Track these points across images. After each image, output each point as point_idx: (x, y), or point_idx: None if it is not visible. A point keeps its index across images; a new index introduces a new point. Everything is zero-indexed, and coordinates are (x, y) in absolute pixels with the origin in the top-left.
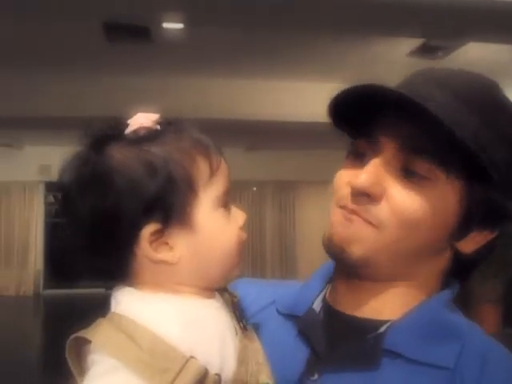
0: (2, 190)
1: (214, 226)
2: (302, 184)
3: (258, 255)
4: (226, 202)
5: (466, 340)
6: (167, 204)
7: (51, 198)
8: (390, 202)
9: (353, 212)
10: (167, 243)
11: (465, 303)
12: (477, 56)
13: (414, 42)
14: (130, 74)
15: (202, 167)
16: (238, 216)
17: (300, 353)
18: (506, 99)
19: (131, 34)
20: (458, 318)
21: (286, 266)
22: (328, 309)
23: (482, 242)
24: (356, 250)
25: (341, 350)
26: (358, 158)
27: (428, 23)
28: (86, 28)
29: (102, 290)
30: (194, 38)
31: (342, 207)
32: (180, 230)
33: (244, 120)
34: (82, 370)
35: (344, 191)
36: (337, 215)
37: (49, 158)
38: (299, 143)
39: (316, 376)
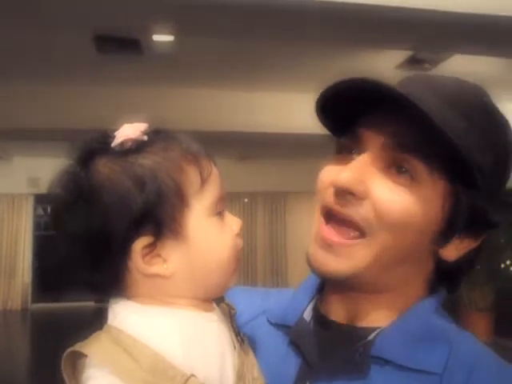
0: None
1: (207, 235)
2: (293, 194)
3: (249, 266)
4: (220, 209)
5: (454, 345)
6: (157, 217)
7: (40, 211)
8: (373, 201)
9: (333, 217)
10: (160, 255)
11: (455, 311)
12: (462, 68)
13: (402, 55)
14: (121, 85)
15: (191, 176)
16: (233, 223)
17: (291, 363)
18: (495, 107)
19: (122, 46)
20: (446, 324)
21: (276, 277)
22: (318, 318)
23: (464, 250)
24: (340, 270)
25: (331, 359)
26: (342, 157)
27: (416, 36)
28: (77, 40)
29: (90, 304)
30: (184, 50)
31: (324, 207)
32: (173, 242)
33: (235, 131)
34: None
35: (328, 191)
36: (314, 246)
37: (38, 171)
38: (289, 154)
39: None
